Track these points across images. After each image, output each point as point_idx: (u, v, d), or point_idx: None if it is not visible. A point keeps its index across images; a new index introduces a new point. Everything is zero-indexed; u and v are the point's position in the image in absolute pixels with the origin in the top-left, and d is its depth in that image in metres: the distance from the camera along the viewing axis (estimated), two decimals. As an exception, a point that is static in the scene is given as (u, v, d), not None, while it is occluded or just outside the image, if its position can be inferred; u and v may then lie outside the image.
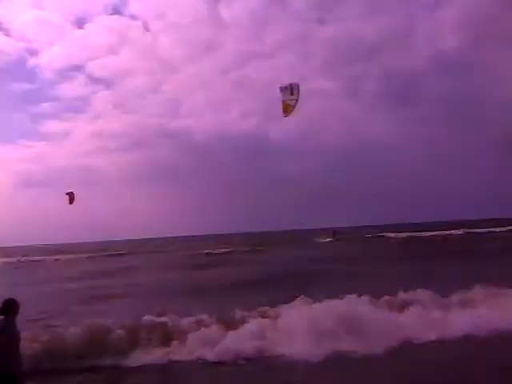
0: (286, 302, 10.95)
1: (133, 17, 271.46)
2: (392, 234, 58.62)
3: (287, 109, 8.94)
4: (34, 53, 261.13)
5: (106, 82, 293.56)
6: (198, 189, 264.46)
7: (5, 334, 4.75)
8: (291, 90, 8.89)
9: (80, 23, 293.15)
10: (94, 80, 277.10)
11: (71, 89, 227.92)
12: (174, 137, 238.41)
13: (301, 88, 9.03)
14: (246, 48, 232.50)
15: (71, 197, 15.29)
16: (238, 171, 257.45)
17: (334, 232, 60.02)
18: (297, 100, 8.87)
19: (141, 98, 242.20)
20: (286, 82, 9.06)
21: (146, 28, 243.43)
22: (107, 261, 45.19)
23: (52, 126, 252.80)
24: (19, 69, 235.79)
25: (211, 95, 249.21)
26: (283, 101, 8.95)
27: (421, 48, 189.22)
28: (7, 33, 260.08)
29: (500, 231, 50.97)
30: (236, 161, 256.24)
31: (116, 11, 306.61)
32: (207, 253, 43.80)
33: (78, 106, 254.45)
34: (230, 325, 9.64)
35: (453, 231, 53.53)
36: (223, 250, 45.71)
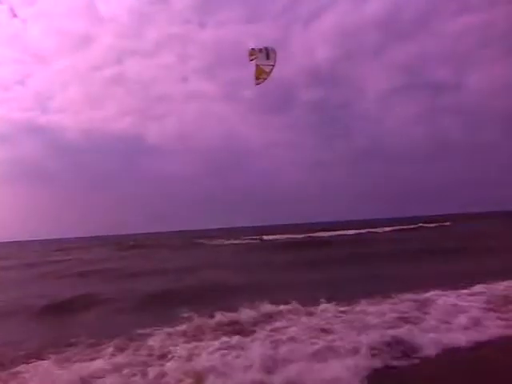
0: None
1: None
2: (270, 237, 60.09)
3: (261, 75, 7.87)
4: None
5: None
6: (66, 189, 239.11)
7: None
8: (267, 54, 7.85)
9: None
10: None
11: None
12: (42, 133, 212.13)
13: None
14: (123, 45, 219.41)
15: None
16: (110, 171, 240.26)
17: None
18: (273, 66, 7.86)
19: (6, 90, 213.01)
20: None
21: (13, 13, 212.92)
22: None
23: None
24: None
25: (84, 91, 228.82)
26: (257, 65, 7.85)
27: (295, 57, 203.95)
28: None
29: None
30: (109, 160, 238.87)
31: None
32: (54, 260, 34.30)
33: None
34: None
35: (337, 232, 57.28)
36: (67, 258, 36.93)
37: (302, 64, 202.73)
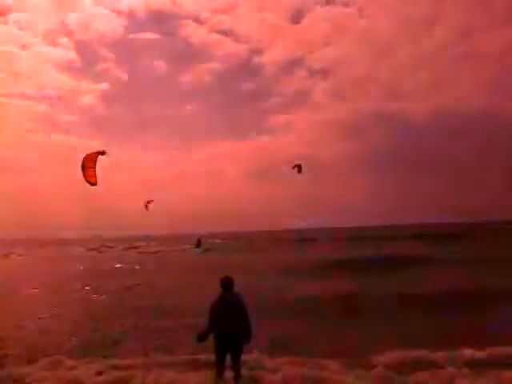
0: None
1: (346, 4, 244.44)
2: None
3: None
4: (257, 53, 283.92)
5: (324, 73, 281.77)
6: (419, 175, 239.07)
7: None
8: None
9: (296, 19, 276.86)
10: (313, 72, 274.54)
11: (293, 82, 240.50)
12: (391, 121, 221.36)
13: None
14: (468, 19, 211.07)
15: (299, 168, 17.08)
16: (461, 154, 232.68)
17: None
18: None
19: (358, 85, 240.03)
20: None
21: (361, 14, 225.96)
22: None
23: (277, 119, 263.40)
24: (246, 69, 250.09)
25: (431, 74, 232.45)
26: None
27: None
28: (236, 38, 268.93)
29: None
30: (464, 144, 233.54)
31: (329, 1, 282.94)
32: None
33: (300, 99, 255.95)
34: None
35: None
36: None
37: None
